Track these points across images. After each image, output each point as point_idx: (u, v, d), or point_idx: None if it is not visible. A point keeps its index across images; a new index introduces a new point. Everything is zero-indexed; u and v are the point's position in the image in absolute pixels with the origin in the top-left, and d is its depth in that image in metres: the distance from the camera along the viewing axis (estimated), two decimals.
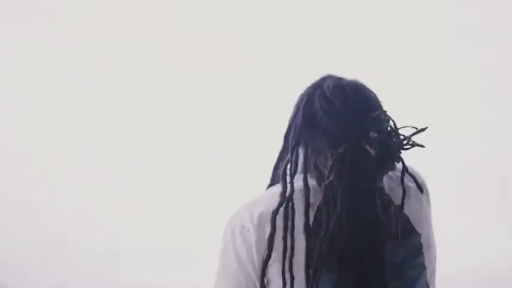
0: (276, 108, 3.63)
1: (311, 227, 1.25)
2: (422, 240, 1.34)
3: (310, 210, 1.26)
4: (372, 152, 1.27)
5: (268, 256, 1.25)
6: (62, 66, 3.57)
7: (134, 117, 3.57)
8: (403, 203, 1.34)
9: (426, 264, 1.34)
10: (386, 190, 1.33)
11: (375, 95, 1.39)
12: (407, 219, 1.34)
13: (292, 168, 1.34)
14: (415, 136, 1.33)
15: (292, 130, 1.38)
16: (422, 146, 1.31)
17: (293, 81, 3.40)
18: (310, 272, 1.23)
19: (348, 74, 1.41)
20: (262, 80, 3.51)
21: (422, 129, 1.31)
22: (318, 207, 1.26)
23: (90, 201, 3.50)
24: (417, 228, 1.34)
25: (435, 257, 1.41)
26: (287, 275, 1.24)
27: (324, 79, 1.39)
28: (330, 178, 1.26)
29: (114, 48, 3.56)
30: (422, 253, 1.33)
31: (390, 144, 1.30)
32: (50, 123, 3.58)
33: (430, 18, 3.39)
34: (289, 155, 1.37)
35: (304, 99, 1.40)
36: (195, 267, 3.16)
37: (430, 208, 1.43)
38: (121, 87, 3.56)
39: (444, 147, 2.93)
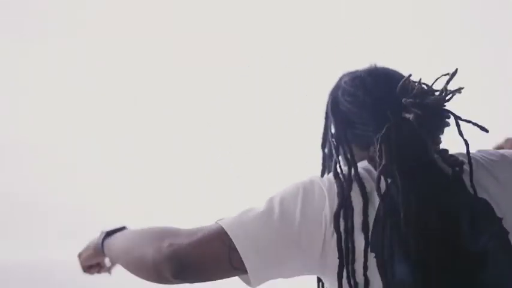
0: (276, 108, 3.63)
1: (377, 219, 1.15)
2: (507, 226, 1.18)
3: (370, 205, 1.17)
4: (411, 117, 1.17)
5: (342, 258, 1.16)
6: (62, 66, 3.57)
7: (134, 117, 3.57)
8: (471, 172, 1.20)
9: None
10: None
11: (394, 70, 1.33)
12: (486, 202, 1.20)
13: (344, 166, 1.26)
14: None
15: (329, 138, 1.33)
16: (459, 91, 1.20)
17: (293, 81, 3.40)
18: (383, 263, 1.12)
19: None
20: (262, 80, 3.50)
21: (454, 73, 1.21)
22: (383, 195, 1.17)
23: (90, 200, 3.50)
24: (498, 212, 1.19)
25: None
26: (352, 281, 1.15)
27: (340, 79, 1.36)
28: (383, 162, 1.18)
29: (114, 48, 3.56)
30: (509, 240, 1.17)
31: (428, 102, 1.20)
32: (50, 123, 3.57)
33: (430, 18, 3.38)
34: (334, 157, 1.28)
35: (329, 105, 1.35)
36: None
37: None
38: (121, 87, 3.56)
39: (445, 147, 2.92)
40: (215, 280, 1.21)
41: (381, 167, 1.17)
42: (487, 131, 1.21)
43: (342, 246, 1.14)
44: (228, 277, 1.20)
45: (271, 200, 1.21)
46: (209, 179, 3.39)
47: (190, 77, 3.57)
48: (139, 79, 3.57)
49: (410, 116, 1.17)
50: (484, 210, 1.18)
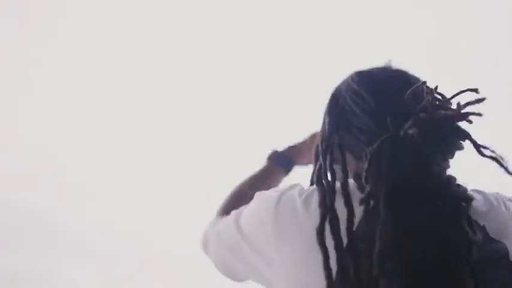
0: (277, 109, 3.62)
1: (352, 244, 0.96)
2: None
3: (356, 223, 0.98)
4: (414, 131, 0.96)
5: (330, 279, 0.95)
6: (64, 68, 3.56)
7: (135, 119, 3.56)
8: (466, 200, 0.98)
9: None
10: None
11: (411, 75, 1.15)
12: (483, 227, 1.03)
13: (329, 174, 1.08)
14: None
15: (322, 137, 1.15)
16: (479, 114, 1.01)
17: (293, 82, 3.39)
18: None
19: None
20: (262, 80, 3.50)
21: (475, 91, 1.01)
22: (359, 223, 0.97)
23: (92, 206, 3.49)
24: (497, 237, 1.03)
25: None
26: None
27: (349, 75, 1.19)
28: (368, 188, 0.97)
29: (114, 49, 3.55)
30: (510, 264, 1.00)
31: (439, 117, 1.00)
32: (50, 125, 3.57)
33: (431, 18, 3.38)
34: (320, 160, 1.10)
35: (331, 100, 1.18)
36: (197, 272, 3.16)
37: None
38: (122, 88, 3.55)
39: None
40: None
41: (366, 193, 0.96)
42: (510, 173, 0.99)
43: (329, 267, 0.94)
44: None
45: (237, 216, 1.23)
46: (211, 181, 3.38)
47: (190, 77, 3.57)
48: (140, 81, 3.56)
49: (412, 130, 0.98)
50: (492, 257, 1.01)
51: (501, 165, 0.99)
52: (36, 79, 3.55)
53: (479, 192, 1.10)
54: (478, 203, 1.04)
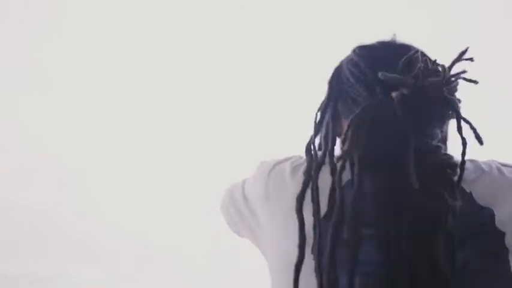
0: (277, 109, 3.61)
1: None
2: (502, 220, 1.00)
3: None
4: (396, 96, 0.96)
5: (302, 250, 0.97)
6: (64, 67, 3.56)
7: (136, 118, 3.56)
8: (463, 162, 0.99)
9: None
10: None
11: (413, 47, 1.13)
12: (469, 194, 1.02)
13: (323, 144, 1.08)
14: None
15: (318, 108, 1.15)
16: (474, 81, 1.01)
17: (293, 83, 3.39)
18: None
19: None
20: (262, 81, 3.49)
21: (464, 52, 1.02)
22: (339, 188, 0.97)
23: (95, 205, 3.49)
24: (488, 205, 1.01)
25: None
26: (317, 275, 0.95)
27: (353, 49, 1.19)
28: (345, 147, 0.98)
29: (114, 48, 3.55)
30: (500, 236, 0.99)
31: (426, 85, 1.00)
32: (52, 124, 3.56)
33: (432, 18, 3.38)
34: (313, 132, 1.12)
35: (333, 73, 1.17)
36: (197, 272, 3.16)
37: None
38: (122, 88, 3.55)
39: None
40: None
41: (340, 154, 0.98)
42: (481, 142, 1.01)
43: (304, 235, 0.97)
44: None
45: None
46: (212, 182, 3.38)
47: (191, 78, 3.56)
48: (143, 83, 3.56)
49: (397, 97, 0.98)
50: (476, 223, 1.00)
51: (477, 137, 0.99)
52: (36, 78, 3.54)
53: (471, 161, 1.10)
54: (466, 170, 1.03)
